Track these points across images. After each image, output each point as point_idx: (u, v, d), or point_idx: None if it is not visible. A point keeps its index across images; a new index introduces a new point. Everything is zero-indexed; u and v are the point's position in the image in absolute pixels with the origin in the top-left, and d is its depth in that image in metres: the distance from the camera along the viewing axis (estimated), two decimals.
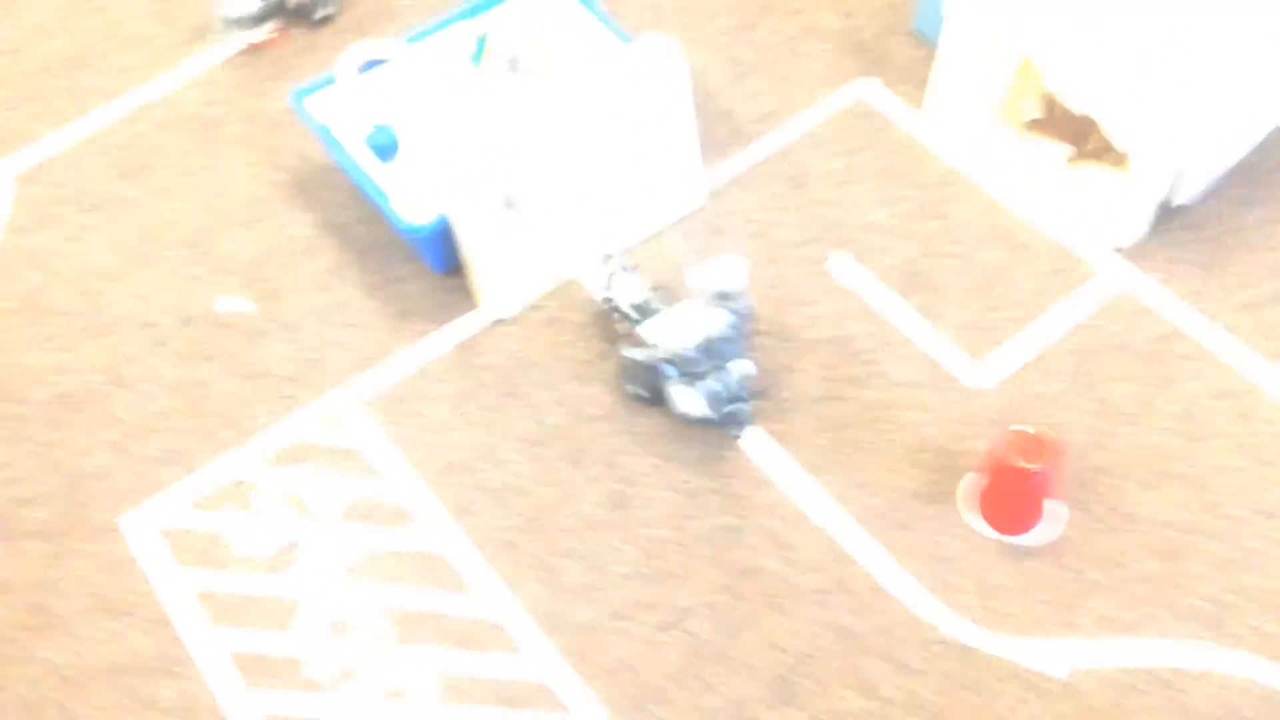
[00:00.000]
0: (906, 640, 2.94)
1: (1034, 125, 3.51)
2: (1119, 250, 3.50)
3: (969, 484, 3.14)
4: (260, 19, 4.00)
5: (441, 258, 3.45)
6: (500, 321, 3.47)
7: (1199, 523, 3.06)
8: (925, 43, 3.93)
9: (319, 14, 4.03)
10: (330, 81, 3.53)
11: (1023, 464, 2.91)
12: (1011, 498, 3.06)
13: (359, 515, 3.17)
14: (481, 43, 3.55)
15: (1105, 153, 3.38)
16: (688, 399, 3.16)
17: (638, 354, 3.20)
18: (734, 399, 3.19)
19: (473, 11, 3.66)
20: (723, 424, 3.22)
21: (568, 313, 3.49)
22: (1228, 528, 3.05)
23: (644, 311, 3.26)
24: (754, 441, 3.23)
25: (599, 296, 3.35)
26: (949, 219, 3.61)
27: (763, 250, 3.57)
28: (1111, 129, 3.29)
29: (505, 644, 2.97)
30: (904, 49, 3.97)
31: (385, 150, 3.39)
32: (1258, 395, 3.24)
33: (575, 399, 3.34)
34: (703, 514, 3.14)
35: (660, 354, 3.16)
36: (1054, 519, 3.09)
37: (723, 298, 3.18)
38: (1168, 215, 3.54)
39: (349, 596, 3.04)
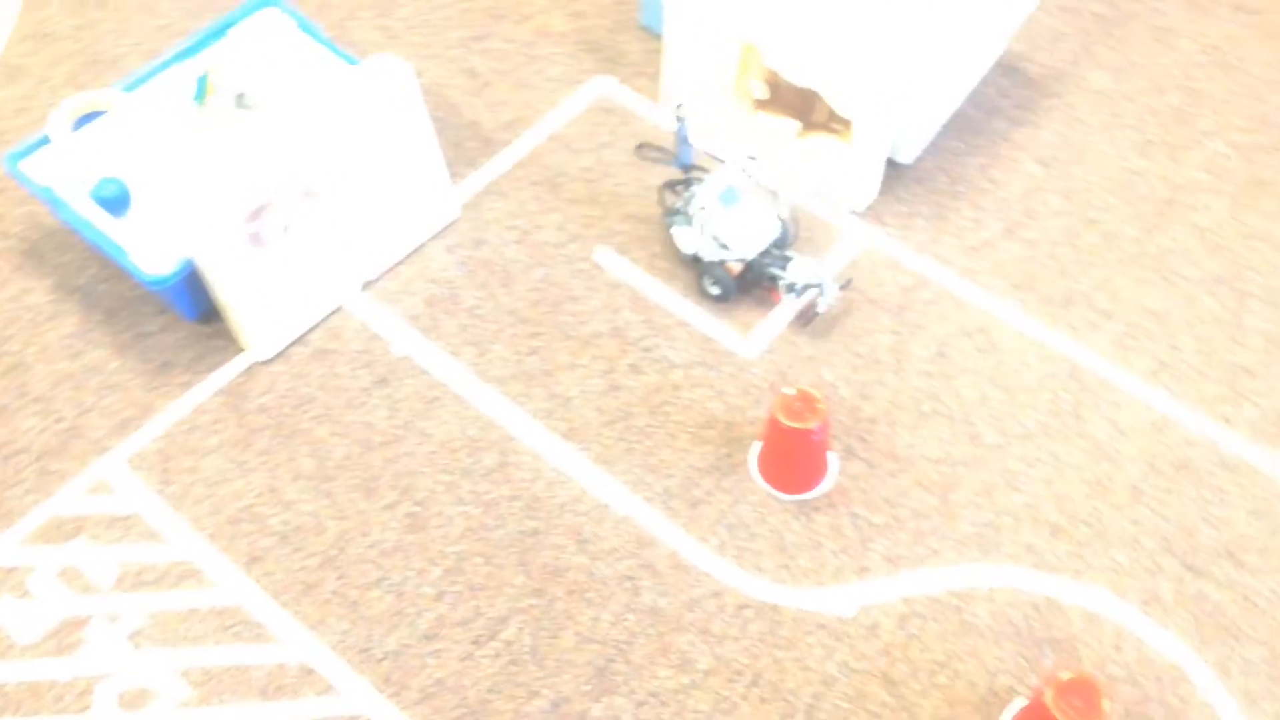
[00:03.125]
0: (716, 611, 3.03)
1: (762, 104, 3.68)
2: (857, 213, 3.71)
3: (755, 451, 3.27)
4: None
5: (193, 305, 3.33)
6: (266, 362, 3.39)
7: (964, 454, 3.28)
8: (653, 36, 4.05)
9: None
10: (45, 141, 3.35)
11: (796, 424, 3.04)
12: (793, 458, 3.19)
13: (145, 581, 3.03)
14: (202, 81, 3.44)
15: (831, 122, 3.57)
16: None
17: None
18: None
19: (189, 52, 3.54)
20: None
21: (336, 343, 3.43)
22: (989, 455, 3.28)
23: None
24: (543, 441, 3.27)
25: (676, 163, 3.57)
26: None
27: (528, 254, 3.61)
28: (832, 99, 3.49)
29: (318, 686, 2.89)
30: (634, 44, 4.08)
31: (116, 203, 3.24)
32: (999, 328, 3.49)
33: (357, 429, 3.28)
34: (503, 522, 3.15)
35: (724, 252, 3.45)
36: (834, 472, 3.25)
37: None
38: (897, 174, 3.78)
39: (144, 665, 2.90)
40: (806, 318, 3.49)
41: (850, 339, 3.47)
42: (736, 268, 3.45)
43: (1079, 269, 3.60)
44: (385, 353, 3.41)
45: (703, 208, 3.40)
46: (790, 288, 3.43)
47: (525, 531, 3.14)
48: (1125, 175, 3.79)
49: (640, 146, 3.62)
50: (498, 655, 2.96)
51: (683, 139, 3.49)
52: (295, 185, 3.21)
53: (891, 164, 3.75)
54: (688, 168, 3.56)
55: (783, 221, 3.51)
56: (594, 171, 3.78)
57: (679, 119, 3.46)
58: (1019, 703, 2.86)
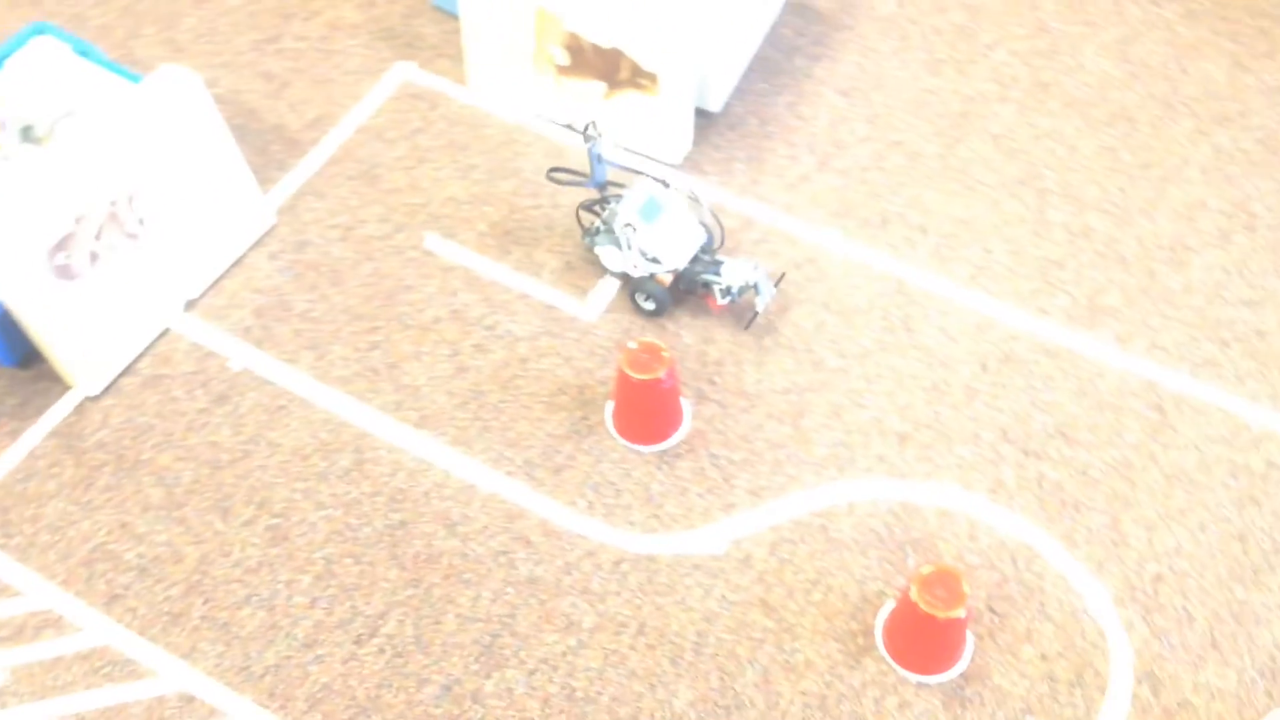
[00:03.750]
0: (593, 570, 3.07)
1: (565, 70, 3.70)
2: (676, 165, 3.78)
3: (610, 410, 3.32)
4: None
5: (9, 349, 3.19)
6: (96, 397, 3.27)
7: (809, 381, 3.38)
8: (448, 16, 4.03)
9: None
10: None
11: (644, 376, 3.09)
12: (647, 410, 3.24)
13: (1, 638, 2.90)
14: None
15: (637, 78, 3.62)
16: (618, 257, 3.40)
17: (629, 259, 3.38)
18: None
19: None
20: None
21: (167, 368, 3.34)
22: (833, 378, 3.39)
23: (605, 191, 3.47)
24: (398, 433, 3.24)
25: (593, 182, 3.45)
26: (523, 174, 3.74)
27: (354, 250, 3.56)
28: (635, 55, 3.53)
29: (201, 713, 2.82)
30: (431, 26, 4.05)
31: None
32: (825, 257, 3.61)
33: (202, 450, 3.20)
34: (368, 520, 3.12)
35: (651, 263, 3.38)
36: (689, 417, 3.32)
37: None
38: (709, 122, 3.86)
39: None
40: (746, 319, 3.46)
41: None
42: (667, 279, 3.41)
43: (890, 190, 3.74)
44: (221, 370, 3.33)
45: (627, 225, 3.34)
46: (726, 292, 3.39)
47: (392, 525, 3.12)
48: (921, 95, 3.96)
49: (552, 171, 3.53)
50: (382, 650, 2.94)
51: (595, 158, 3.39)
52: (96, 212, 3.09)
53: (702, 113, 3.83)
54: (603, 186, 3.48)
55: (706, 226, 3.48)
56: (409, 159, 3.75)
57: (590, 138, 3.35)
58: (890, 604, 2.99)
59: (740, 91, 3.94)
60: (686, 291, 3.45)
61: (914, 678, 2.89)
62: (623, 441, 3.26)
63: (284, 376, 3.33)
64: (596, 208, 3.49)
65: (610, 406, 3.31)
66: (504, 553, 3.08)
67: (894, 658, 2.92)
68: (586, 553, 3.09)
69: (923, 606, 2.71)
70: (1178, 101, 3.93)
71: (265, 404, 3.28)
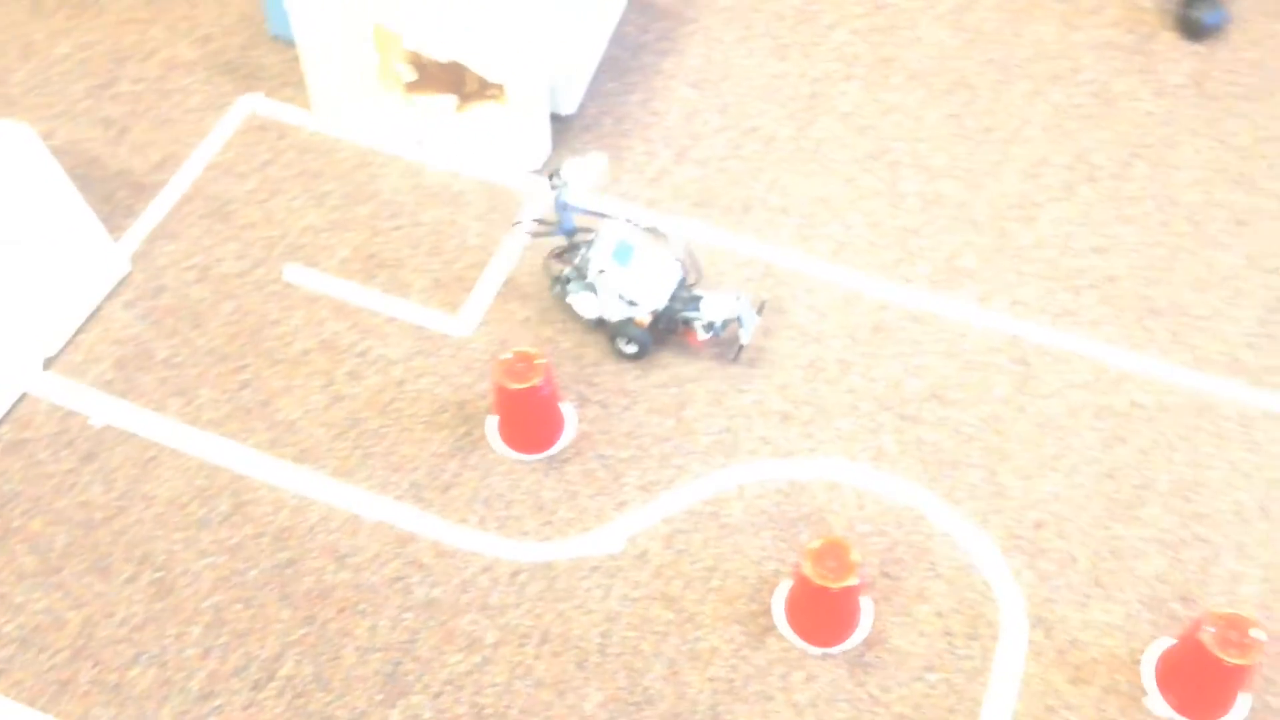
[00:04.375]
0: (490, 585, 3.05)
1: (413, 86, 3.67)
2: (536, 171, 3.77)
3: (492, 424, 3.30)
4: None
5: None
6: None
7: (687, 373, 3.41)
8: (287, 44, 3.97)
9: None
10: None
11: (521, 385, 3.08)
12: (528, 418, 3.24)
13: None
14: None
15: (486, 90, 3.61)
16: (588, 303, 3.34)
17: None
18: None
19: None
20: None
21: (28, 431, 3.22)
22: (710, 367, 3.42)
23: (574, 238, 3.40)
24: (276, 471, 3.18)
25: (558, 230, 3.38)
26: (380, 196, 3.71)
27: (212, 290, 3.48)
28: (478, 66, 3.52)
29: None
30: (270, 55, 3.99)
31: None
32: (693, 248, 3.64)
33: (73, 511, 3.10)
34: (254, 562, 3.05)
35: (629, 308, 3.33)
36: (573, 421, 3.32)
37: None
38: (565, 125, 3.87)
39: None
40: (733, 352, 3.41)
41: (552, 297, 3.53)
42: (646, 320, 3.34)
43: (749, 176, 3.80)
44: (85, 428, 3.23)
45: (601, 270, 3.27)
46: (709, 327, 3.34)
47: (279, 564, 3.05)
48: (770, 81, 4.02)
49: (517, 224, 3.47)
50: (281, 693, 2.87)
51: (562, 205, 3.32)
52: None
53: (556, 118, 3.83)
54: (572, 233, 3.41)
55: (680, 262, 3.42)
56: (262, 191, 3.68)
57: (555, 186, 3.28)
58: (786, 582, 3.03)
59: (592, 93, 3.95)
60: (667, 330, 3.40)
61: (817, 650, 2.94)
62: (508, 453, 3.25)
63: (152, 427, 3.23)
64: (567, 255, 3.43)
65: (493, 420, 3.29)
66: (398, 579, 3.05)
67: (796, 633, 2.96)
68: (482, 568, 3.07)
69: (815, 580, 2.75)
70: (1013, 64, 4.06)
71: (135, 457, 3.19)
